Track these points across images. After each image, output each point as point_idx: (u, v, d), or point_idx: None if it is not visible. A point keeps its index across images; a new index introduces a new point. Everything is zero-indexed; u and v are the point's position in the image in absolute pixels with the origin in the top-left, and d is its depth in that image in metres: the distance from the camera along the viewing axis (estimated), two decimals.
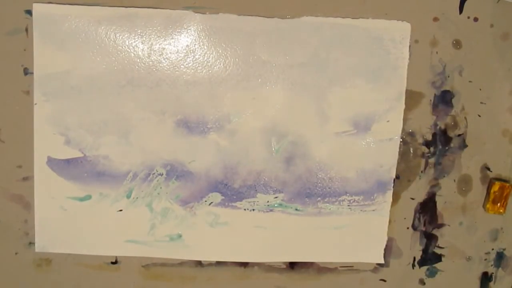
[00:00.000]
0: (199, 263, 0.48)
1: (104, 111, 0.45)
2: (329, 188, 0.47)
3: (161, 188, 0.46)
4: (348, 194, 0.47)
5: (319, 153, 0.47)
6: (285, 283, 0.49)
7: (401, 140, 0.47)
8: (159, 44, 0.44)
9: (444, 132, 0.48)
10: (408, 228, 0.49)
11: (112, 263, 0.48)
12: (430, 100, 0.47)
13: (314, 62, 0.45)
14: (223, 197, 0.47)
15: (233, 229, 0.47)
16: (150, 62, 0.45)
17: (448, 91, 0.47)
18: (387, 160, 0.47)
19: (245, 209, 0.47)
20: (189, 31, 0.44)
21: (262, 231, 0.48)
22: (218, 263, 0.48)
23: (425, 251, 0.50)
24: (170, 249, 0.48)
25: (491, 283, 0.50)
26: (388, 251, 0.49)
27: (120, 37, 0.44)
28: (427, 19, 0.46)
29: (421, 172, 0.48)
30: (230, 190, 0.47)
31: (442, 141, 0.48)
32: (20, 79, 0.45)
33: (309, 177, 0.47)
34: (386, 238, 0.49)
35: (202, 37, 0.45)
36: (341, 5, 0.45)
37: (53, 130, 0.45)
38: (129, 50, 0.44)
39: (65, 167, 0.46)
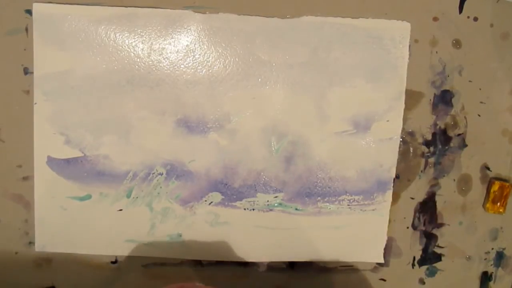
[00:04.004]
0: (199, 263, 0.48)
1: (104, 110, 0.45)
2: (329, 187, 0.47)
3: (161, 187, 0.47)
4: (348, 194, 0.48)
5: (319, 153, 0.47)
6: (285, 282, 0.49)
7: (401, 139, 0.47)
8: (159, 44, 0.44)
9: (444, 131, 0.48)
10: (408, 227, 0.49)
11: (112, 262, 0.48)
12: (430, 100, 0.47)
13: (314, 61, 0.45)
14: (223, 197, 0.47)
15: (233, 229, 0.47)
16: (150, 62, 0.45)
17: (448, 90, 0.47)
18: (387, 159, 0.47)
19: (245, 209, 0.47)
20: (189, 31, 0.44)
21: (262, 230, 0.48)
22: (218, 263, 0.49)
23: (425, 250, 0.50)
24: (170, 248, 0.48)
25: (491, 283, 0.50)
26: (388, 250, 0.49)
27: (120, 37, 0.44)
28: (427, 18, 0.46)
29: (421, 171, 0.48)
30: (230, 190, 0.47)
31: (442, 141, 0.48)
32: (20, 78, 0.45)
33: (309, 177, 0.47)
34: (386, 238, 0.49)
35: (202, 37, 0.45)
36: (341, 5, 0.45)
37: (53, 129, 0.45)
38: (129, 50, 0.44)
39: (65, 166, 0.46)
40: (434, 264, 0.50)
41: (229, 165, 0.46)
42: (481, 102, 0.47)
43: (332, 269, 0.49)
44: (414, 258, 0.50)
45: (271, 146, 0.46)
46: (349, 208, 0.48)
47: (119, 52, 0.44)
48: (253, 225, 0.47)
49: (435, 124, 0.48)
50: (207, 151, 0.46)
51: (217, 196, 0.47)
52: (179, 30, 0.44)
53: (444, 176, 0.48)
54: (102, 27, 0.44)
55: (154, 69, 0.45)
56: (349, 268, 0.50)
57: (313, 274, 0.49)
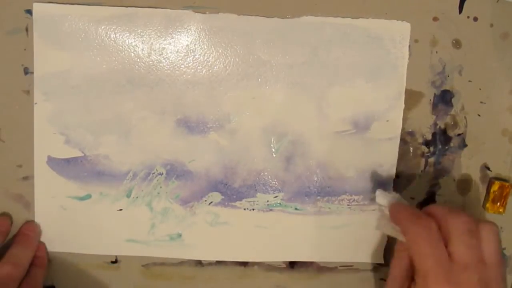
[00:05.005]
0: (199, 263, 0.48)
1: (104, 110, 0.45)
2: (328, 187, 0.47)
3: (161, 187, 0.47)
4: (347, 194, 0.47)
5: (319, 152, 0.47)
6: (285, 282, 0.49)
7: (401, 139, 0.47)
8: (159, 44, 0.44)
9: (444, 131, 0.48)
10: None
11: (112, 262, 0.48)
12: (430, 100, 0.47)
13: (314, 61, 0.45)
14: (223, 197, 0.47)
15: (233, 229, 0.47)
16: (150, 62, 0.45)
17: (448, 90, 0.47)
18: (387, 159, 0.47)
19: (245, 209, 0.47)
20: (189, 31, 0.44)
21: (262, 230, 0.48)
22: (218, 263, 0.49)
23: None
24: (170, 248, 0.48)
25: None
26: (388, 250, 0.49)
27: (120, 36, 0.44)
28: (427, 18, 0.46)
29: (421, 171, 0.48)
30: (230, 190, 0.47)
31: (442, 141, 0.48)
32: (20, 78, 0.45)
33: (308, 176, 0.47)
34: (386, 238, 0.49)
35: (202, 37, 0.45)
36: (341, 5, 0.45)
37: (53, 129, 0.45)
38: (129, 50, 0.44)
39: (65, 166, 0.46)
40: None
41: (229, 165, 0.46)
42: (481, 102, 0.47)
43: (332, 269, 0.49)
44: None
45: (271, 146, 0.46)
46: (349, 208, 0.48)
47: (119, 52, 0.44)
48: (253, 225, 0.47)
49: (435, 124, 0.48)
50: (207, 151, 0.46)
51: (217, 196, 0.47)
52: (179, 30, 0.44)
53: (444, 176, 0.48)
54: (102, 27, 0.44)
55: (154, 69, 0.45)
56: (349, 268, 0.50)
57: (313, 273, 0.49)
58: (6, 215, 0.46)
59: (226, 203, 0.47)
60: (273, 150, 0.46)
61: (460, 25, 0.46)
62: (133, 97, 0.45)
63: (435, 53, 0.46)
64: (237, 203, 0.47)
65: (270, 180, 0.47)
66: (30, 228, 0.46)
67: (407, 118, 0.47)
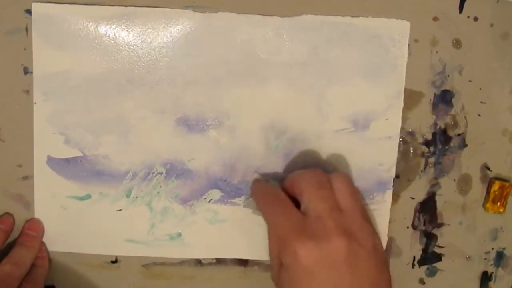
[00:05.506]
0: (199, 262, 0.48)
1: (104, 110, 0.45)
2: None
3: (160, 187, 0.47)
4: None
5: (318, 150, 0.46)
6: None
7: (401, 139, 0.47)
8: (159, 43, 0.44)
9: (444, 131, 0.48)
10: (408, 227, 0.49)
11: (112, 262, 0.48)
12: (430, 100, 0.47)
13: (313, 60, 0.45)
14: (222, 194, 0.47)
15: (232, 226, 0.47)
16: (150, 61, 0.45)
17: (448, 90, 0.47)
18: (387, 159, 0.47)
19: (244, 206, 0.47)
20: (188, 30, 0.44)
21: (261, 228, 0.47)
22: (218, 262, 0.48)
23: (425, 250, 0.49)
24: (169, 248, 0.48)
25: (491, 283, 0.50)
26: (387, 250, 0.49)
27: (120, 36, 0.44)
28: (427, 18, 0.46)
29: (421, 171, 0.48)
30: (229, 187, 0.47)
31: (442, 141, 0.48)
32: (20, 78, 0.45)
33: None
34: (386, 238, 0.49)
35: (202, 36, 0.45)
36: (340, 3, 0.45)
37: (53, 129, 0.45)
38: (128, 50, 0.44)
39: (65, 166, 0.46)
40: (434, 264, 0.50)
41: (228, 162, 0.46)
42: (481, 102, 0.47)
43: None
44: (414, 258, 0.50)
45: (270, 143, 0.46)
46: None
47: (118, 51, 0.44)
48: (252, 223, 0.47)
49: (435, 124, 0.48)
50: (207, 149, 0.46)
51: (216, 193, 0.47)
52: (178, 29, 0.44)
53: (444, 176, 0.48)
54: (102, 26, 0.44)
55: (153, 68, 0.45)
56: None
57: None
58: (9, 214, 0.46)
59: (226, 200, 0.47)
60: (272, 147, 0.46)
61: (460, 25, 0.46)
62: (133, 97, 0.45)
63: (435, 53, 0.46)
64: (236, 200, 0.47)
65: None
66: (32, 227, 0.46)
67: (407, 118, 0.47)
